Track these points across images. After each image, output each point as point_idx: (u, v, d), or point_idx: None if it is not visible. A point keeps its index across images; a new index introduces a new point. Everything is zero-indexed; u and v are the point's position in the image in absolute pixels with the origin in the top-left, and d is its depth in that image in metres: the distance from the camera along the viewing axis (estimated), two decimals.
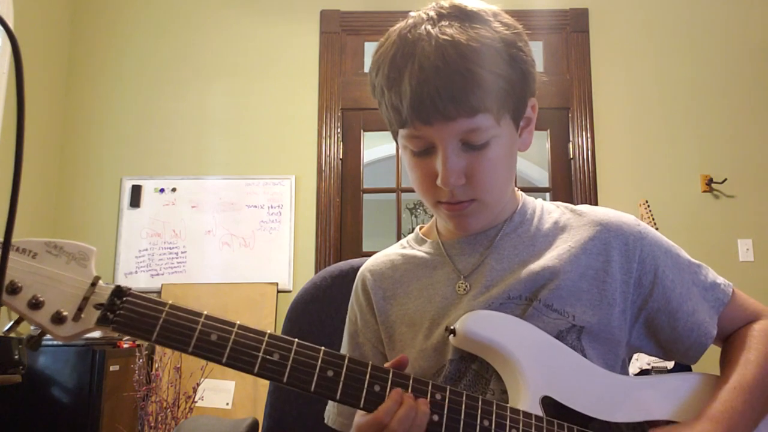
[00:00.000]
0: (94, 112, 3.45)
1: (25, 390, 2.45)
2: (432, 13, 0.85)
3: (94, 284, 0.70)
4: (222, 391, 2.96)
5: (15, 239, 0.68)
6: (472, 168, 0.84)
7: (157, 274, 3.24)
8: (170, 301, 0.72)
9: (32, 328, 0.68)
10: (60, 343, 2.60)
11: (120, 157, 3.40)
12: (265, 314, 3.11)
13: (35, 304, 0.67)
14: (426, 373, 0.88)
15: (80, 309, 0.69)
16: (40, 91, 3.23)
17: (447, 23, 0.82)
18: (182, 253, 3.27)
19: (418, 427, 0.73)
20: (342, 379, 0.73)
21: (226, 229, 3.31)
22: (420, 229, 1.04)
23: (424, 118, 0.81)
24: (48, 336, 0.70)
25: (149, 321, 0.70)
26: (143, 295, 0.72)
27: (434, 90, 0.79)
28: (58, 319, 0.68)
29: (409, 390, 0.75)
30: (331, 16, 3.54)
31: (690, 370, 2.43)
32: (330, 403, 0.97)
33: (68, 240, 0.71)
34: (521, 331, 0.84)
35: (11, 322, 0.70)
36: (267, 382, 1.12)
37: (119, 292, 0.70)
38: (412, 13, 0.87)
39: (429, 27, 0.82)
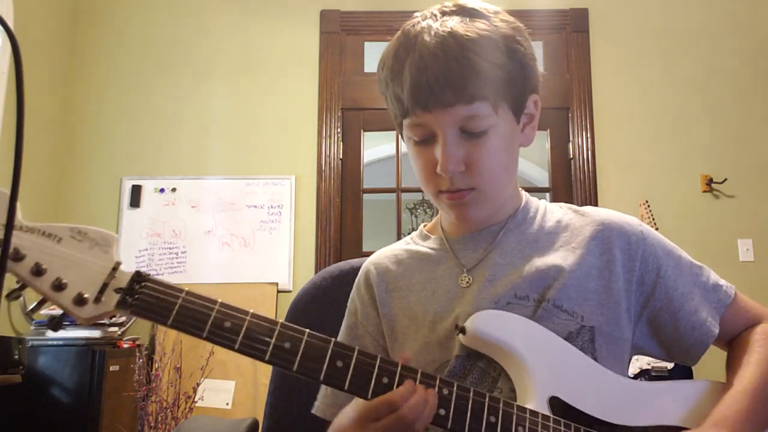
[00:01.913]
0: (94, 112, 3.45)
1: (25, 390, 2.45)
2: (435, 11, 0.89)
3: (115, 269, 0.73)
4: (222, 391, 2.96)
5: (41, 223, 0.71)
6: (471, 156, 0.86)
7: (157, 274, 3.20)
8: (186, 288, 0.75)
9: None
10: (60, 343, 2.60)
11: (120, 157, 3.40)
12: (265, 314, 3.10)
13: (59, 286, 0.70)
14: (429, 366, 0.88)
15: (101, 292, 0.72)
16: (40, 91, 3.23)
17: (449, 18, 0.87)
18: (182, 253, 3.27)
19: (426, 417, 0.74)
20: (351, 369, 0.74)
21: (226, 229, 3.31)
22: (425, 226, 1.05)
23: (423, 104, 0.85)
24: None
25: (166, 306, 0.73)
26: (162, 280, 0.75)
27: (432, 76, 0.83)
28: (79, 300, 0.71)
29: (417, 383, 0.76)
30: (331, 16, 3.54)
31: (690, 370, 2.43)
32: (320, 394, 0.97)
33: (91, 226, 0.74)
34: (530, 331, 0.85)
35: (35, 303, 0.73)
36: (267, 382, 1.12)
37: (139, 277, 0.73)
38: (417, 13, 0.91)
39: (431, 22, 0.87)
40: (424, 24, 0.87)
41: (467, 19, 0.86)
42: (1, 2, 2.78)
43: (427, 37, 0.84)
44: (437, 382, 0.77)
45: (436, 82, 0.82)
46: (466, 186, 0.88)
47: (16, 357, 2.34)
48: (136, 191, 3.34)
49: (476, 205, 0.90)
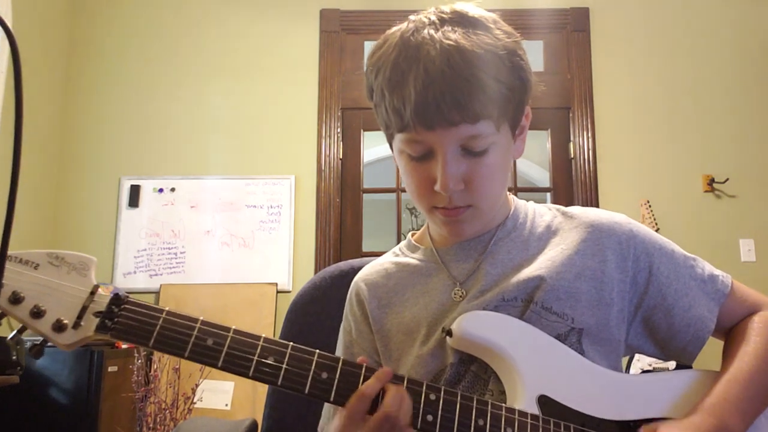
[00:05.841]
0: (94, 112, 3.44)
1: (23, 391, 2.44)
2: (434, 18, 0.85)
3: (93, 293, 0.73)
4: (221, 392, 2.95)
5: (18, 251, 0.71)
6: (471, 174, 0.85)
7: (156, 275, 3.23)
8: (167, 307, 0.74)
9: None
10: None
11: (119, 157, 3.39)
12: (265, 314, 3.10)
13: (37, 313, 0.70)
14: (424, 379, 0.87)
15: (80, 317, 0.72)
16: (38, 91, 3.22)
17: (450, 28, 0.83)
18: (181, 253, 3.26)
19: (405, 412, 0.74)
20: (336, 381, 0.74)
21: (225, 229, 3.30)
22: (412, 235, 1.04)
23: (427, 123, 0.81)
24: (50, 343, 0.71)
25: (146, 328, 0.72)
26: (141, 302, 0.74)
27: (440, 95, 0.79)
28: (58, 327, 0.71)
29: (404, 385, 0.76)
30: (331, 16, 3.53)
31: (690, 368, 2.43)
32: (324, 415, 0.96)
33: (69, 251, 0.74)
34: (517, 330, 0.84)
35: (14, 331, 0.73)
36: None
37: (117, 299, 0.73)
38: (411, 17, 0.87)
39: (432, 31, 0.83)
40: (425, 33, 0.82)
41: (470, 30, 0.83)
42: (1, 2, 2.77)
43: (431, 50, 0.80)
44: (423, 387, 0.76)
45: (443, 100, 0.79)
46: (463, 203, 0.87)
47: (14, 358, 2.33)
48: (135, 191, 3.33)
49: (471, 222, 0.90)
